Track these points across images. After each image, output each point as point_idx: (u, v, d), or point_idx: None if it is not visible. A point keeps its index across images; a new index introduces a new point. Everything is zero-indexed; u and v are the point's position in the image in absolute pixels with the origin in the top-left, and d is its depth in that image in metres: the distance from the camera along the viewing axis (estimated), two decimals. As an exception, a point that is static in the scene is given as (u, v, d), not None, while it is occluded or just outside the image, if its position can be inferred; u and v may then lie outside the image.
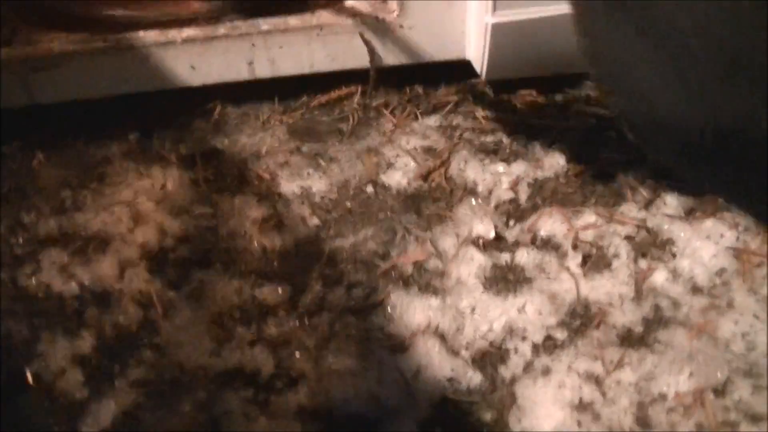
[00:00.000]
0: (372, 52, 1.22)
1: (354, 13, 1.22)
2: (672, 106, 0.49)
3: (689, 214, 1.08)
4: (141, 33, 1.19)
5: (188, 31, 1.20)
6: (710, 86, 0.46)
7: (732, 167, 0.50)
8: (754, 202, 0.59)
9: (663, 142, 0.53)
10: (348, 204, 1.12)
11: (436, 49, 1.24)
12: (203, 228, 1.10)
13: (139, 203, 1.12)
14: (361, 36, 1.21)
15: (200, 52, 1.21)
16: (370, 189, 1.14)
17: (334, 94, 1.27)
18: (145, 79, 1.21)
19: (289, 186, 1.14)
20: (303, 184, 1.14)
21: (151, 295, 1.03)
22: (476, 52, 1.22)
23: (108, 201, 1.13)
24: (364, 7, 1.21)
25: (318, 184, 1.14)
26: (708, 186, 0.60)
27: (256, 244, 1.08)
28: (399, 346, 0.97)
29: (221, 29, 1.21)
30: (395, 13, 1.18)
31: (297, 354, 0.98)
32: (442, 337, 0.98)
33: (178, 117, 1.24)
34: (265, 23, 1.21)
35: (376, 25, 1.21)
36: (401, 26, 1.21)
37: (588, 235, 1.06)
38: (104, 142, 1.20)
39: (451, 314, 0.99)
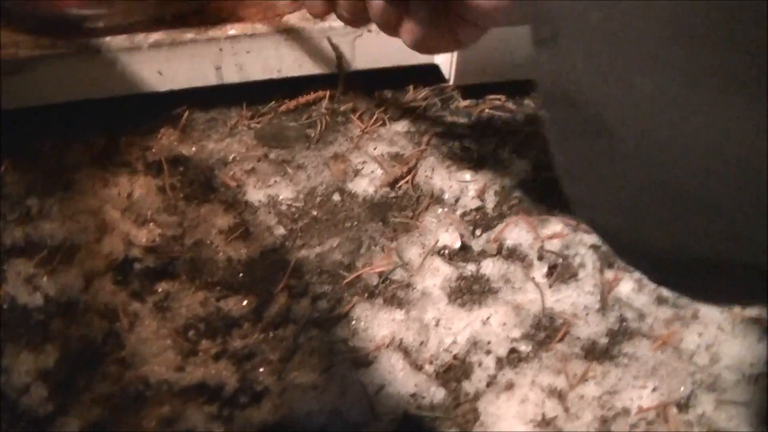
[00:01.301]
0: (340, 56, 1.22)
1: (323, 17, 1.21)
2: (655, 232, 0.47)
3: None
4: (108, 38, 1.18)
5: (155, 36, 1.19)
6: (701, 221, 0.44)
7: (717, 282, 0.48)
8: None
9: (642, 256, 0.50)
10: (314, 212, 1.12)
11: (404, 53, 1.22)
12: (169, 237, 1.09)
13: (105, 212, 1.12)
14: (329, 41, 1.21)
15: (167, 57, 1.20)
16: (336, 197, 1.14)
17: (303, 98, 1.26)
18: (112, 84, 1.21)
19: (255, 194, 1.14)
20: (270, 192, 1.14)
21: (117, 307, 1.02)
22: (444, 56, 1.22)
23: (74, 210, 1.12)
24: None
25: (285, 192, 1.14)
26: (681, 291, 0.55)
27: (222, 254, 1.08)
28: (363, 360, 0.97)
29: (188, 34, 1.20)
30: (363, 19, 1.17)
31: (261, 368, 0.97)
32: (405, 351, 0.98)
33: (145, 122, 1.23)
34: (232, 28, 1.21)
35: (344, 30, 1.20)
36: (369, 30, 1.20)
37: (554, 245, 1.06)
38: (71, 148, 1.19)
39: (416, 327, 0.99)
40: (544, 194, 1.12)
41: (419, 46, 0.78)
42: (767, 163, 0.39)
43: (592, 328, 0.99)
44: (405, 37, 0.79)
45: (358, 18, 0.82)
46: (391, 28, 0.80)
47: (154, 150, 1.19)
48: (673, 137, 0.41)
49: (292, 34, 1.20)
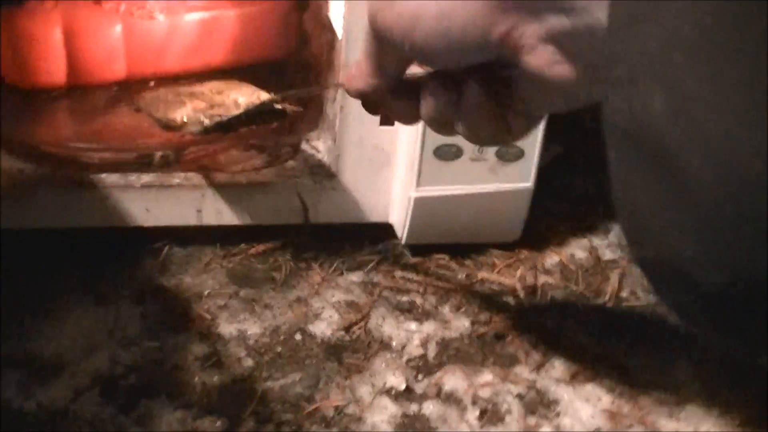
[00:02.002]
0: (306, 210, 1.40)
1: (294, 175, 1.39)
2: (696, 264, 0.47)
3: (573, 378, 1.26)
4: (104, 175, 1.35)
5: (146, 177, 1.36)
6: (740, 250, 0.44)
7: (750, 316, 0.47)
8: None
9: (682, 293, 0.51)
10: (279, 348, 1.29)
11: (362, 211, 1.42)
12: (151, 360, 1.25)
13: (92, 333, 1.27)
14: (298, 195, 1.38)
15: (155, 196, 1.36)
16: (298, 336, 1.30)
17: (270, 244, 1.43)
18: (103, 216, 1.36)
19: (227, 328, 1.30)
20: (240, 327, 1.30)
21: (104, 419, 1.17)
22: (399, 218, 1.40)
23: (64, 328, 1.27)
24: (302, 169, 1.39)
25: (253, 328, 1.30)
26: (715, 333, 0.53)
27: (197, 379, 1.23)
28: (321, 485, 1.13)
29: (176, 179, 1.37)
30: (330, 178, 1.36)
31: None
32: (358, 479, 1.14)
33: (129, 254, 1.39)
34: (218, 176, 1.38)
35: (312, 187, 1.38)
36: (334, 189, 1.39)
37: (485, 392, 1.24)
38: (63, 271, 1.35)
39: (367, 458, 1.16)
40: (478, 347, 1.30)
41: (471, 137, 0.75)
42: None
43: (515, 469, 1.16)
44: (458, 130, 0.75)
45: (410, 117, 0.78)
46: (443, 125, 0.76)
47: (137, 279, 1.35)
48: (746, 176, 0.41)
49: (267, 187, 1.37)
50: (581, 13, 0.56)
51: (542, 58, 0.60)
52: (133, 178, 1.35)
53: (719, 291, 0.47)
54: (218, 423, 1.18)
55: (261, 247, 1.42)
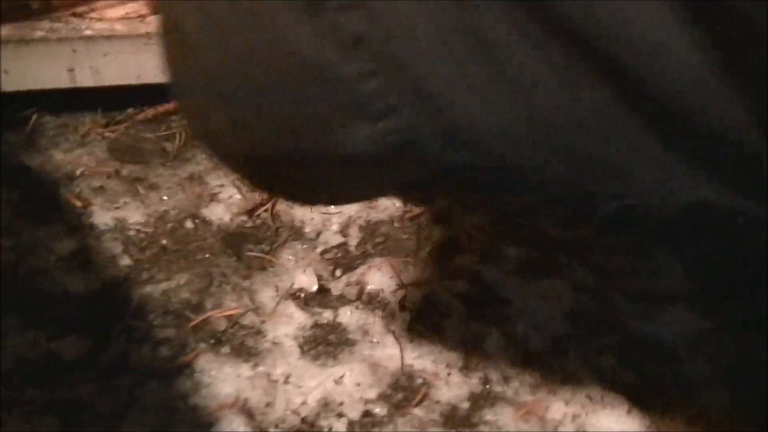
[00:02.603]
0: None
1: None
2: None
3: (527, 270, 1.01)
4: (-49, 30, 1.09)
5: (2, 32, 1.10)
6: None
7: None
8: None
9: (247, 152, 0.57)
10: (164, 241, 1.04)
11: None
12: (1, 265, 1.00)
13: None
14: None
15: (14, 55, 1.11)
16: (189, 224, 1.06)
17: (162, 108, 1.17)
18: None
19: (102, 216, 1.06)
20: (118, 214, 1.06)
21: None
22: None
23: None
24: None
25: (134, 216, 1.06)
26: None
27: (58, 287, 0.99)
28: (203, 420, 0.90)
29: (38, 32, 1.11)
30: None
31: (90, 424, 0.89)
32: (250, 414, 0.90)
33: (-14, 126, 1.13)
34: (88, 28, 1.12)
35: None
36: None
37: (417, 292, 0.99)
38: None
39: (263, 385, 0.92)
40: (411, 232, 1.05)
41: None
42: None
43: (453, 391, 0.92)
44: None
45: None
46: None
47: (-6, 158, 1.09)
48: None
49: (154, 38, 1.12)
50: None
51: None
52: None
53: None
54: (79, 343, 0.94)
55: (151, 112, 1.17)
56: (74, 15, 1.16)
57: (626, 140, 0.48)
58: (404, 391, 0.93)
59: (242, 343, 0.96)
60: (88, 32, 1.12)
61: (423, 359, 0.95)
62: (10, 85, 1.13)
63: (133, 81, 1.15)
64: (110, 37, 1.12)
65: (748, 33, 0.41)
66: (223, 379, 0.92)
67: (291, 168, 0.53)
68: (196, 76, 0.53)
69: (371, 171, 0.53)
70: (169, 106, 1.17)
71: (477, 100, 0.47)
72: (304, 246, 1.04)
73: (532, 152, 0.49)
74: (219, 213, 1.06)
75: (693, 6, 0.41)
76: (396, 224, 1.06)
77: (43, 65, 1.13)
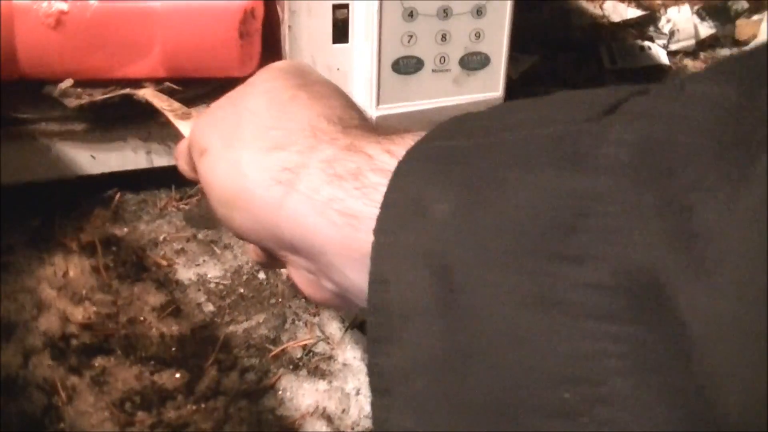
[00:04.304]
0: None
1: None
2: None
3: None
4: (42, 124, 1.25)
5: (87, 122, 1.26)
6: None
7: None
8: None
9: None
10: (241, 290, 1.20)
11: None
12: (104, 315, 1.16)
13: (41, 291, 1.18)
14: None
15: (100, 141, 1.27)
16: (261, 275, 1.21)
17: (228, 181, 1.34)
18: (47, 167, 1.27)
19: (185, 273, 1.21)
20: (198, 271, 1.22)
21: (55, 381, 1.09)
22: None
23: (11, 289, 1.18)
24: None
25: (213, 271, 1.22)
26: None
27: (155, 331, 1.15)
28: (289, 428, 1.05)
29: (118, 121, 1.28)
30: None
31: (194, 437, 1.04)
32: (329, 419, 1.05)
33: (78, 204, 1.30)
34: (161, 116, 1.28)
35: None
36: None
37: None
38: (7, 230, 1.26)
39: (338, 396, 1.07)
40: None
41: None
42: None
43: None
44: None
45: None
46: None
47: (87, 231, 1.26)
48: None
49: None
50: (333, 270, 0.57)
51: (298, 277, 0.67)
52: (74, 123, 1.25)
53: None
54: (178, 375, 1.10)
55: (218, 186, 1.32)
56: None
57: None
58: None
59: (317, 367, 1.11)
60: (161, 119, 1.29)
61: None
62: (97, 168, 1.29)
63: (202, 160, 1.31)
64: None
65: None
66: (303, 394, 1.08)
67: None
68: None
69: None
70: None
71: None
72: (363, 286, 1.20)
73: None
74: (286, 265, 1.22)
75: None
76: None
77: (124, 149, 1.29)
